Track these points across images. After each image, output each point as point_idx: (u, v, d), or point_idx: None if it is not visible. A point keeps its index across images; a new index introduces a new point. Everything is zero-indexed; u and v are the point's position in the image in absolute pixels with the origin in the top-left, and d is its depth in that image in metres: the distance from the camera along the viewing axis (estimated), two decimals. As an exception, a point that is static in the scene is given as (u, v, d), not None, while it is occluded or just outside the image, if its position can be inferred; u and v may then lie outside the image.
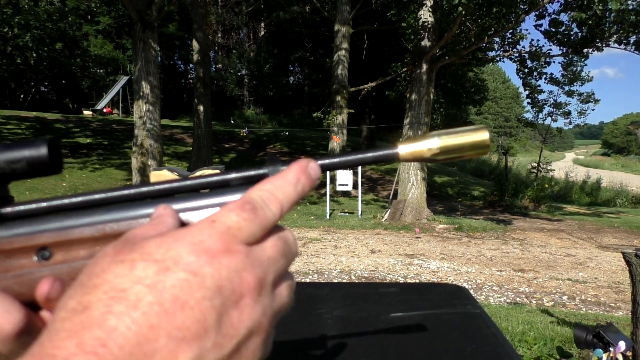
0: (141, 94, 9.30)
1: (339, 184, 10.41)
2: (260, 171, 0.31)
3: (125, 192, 0.31)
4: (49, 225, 0.30)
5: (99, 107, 23.88)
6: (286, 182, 0.29)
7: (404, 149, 0.33)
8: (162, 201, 0.31)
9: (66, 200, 0.31)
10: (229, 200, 0.30)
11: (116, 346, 0.21)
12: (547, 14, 11.88)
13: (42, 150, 0.31)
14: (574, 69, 13.83)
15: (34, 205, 0.31)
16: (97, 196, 0.31)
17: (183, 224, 0.29)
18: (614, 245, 7.92)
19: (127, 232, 0.27)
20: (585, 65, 13.74)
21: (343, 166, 0.33)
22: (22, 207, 0.31)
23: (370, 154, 0.33)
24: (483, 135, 0.33)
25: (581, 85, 14.70)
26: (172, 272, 0.23)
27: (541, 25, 12.20)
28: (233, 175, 0.32)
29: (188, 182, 0.32)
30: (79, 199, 0.31)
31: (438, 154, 0.32)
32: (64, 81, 25.77)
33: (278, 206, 0.28)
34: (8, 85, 24.24)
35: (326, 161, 0.32)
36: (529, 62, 12.66)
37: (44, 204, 0.31)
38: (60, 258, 0.29)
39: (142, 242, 0.24)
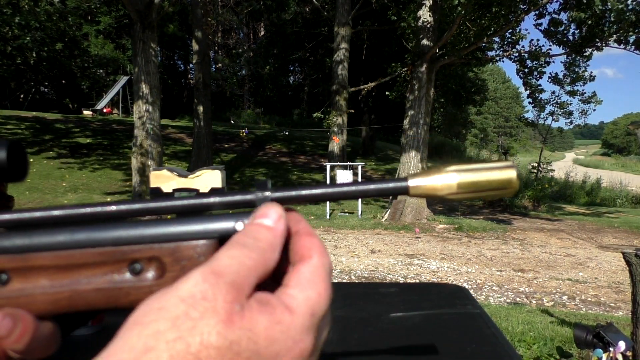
0: (141, 94, 9.29)
1: (339, 184, 10.40)
2: (247, 197, 0.28)
3: (96, 209, 0.28)
4: (7, 244, 0.27)
5: (99, 107, 23.89)
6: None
7: (415, 182, 0.29)
8: (142, 223, 0.28)
9: (32, 214, 0.28)
10: (207, 228, 0.27)
11: None
12: (547, 13, 11.88)
13: (1, 154, 0.28)
14: (576, 69, 13.80)
15: None
16: (65, 212, 0.28)
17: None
18: (614, 245, 7.92)
19: (235, 261, 0.24)
20: (588, 65, 13.74)
21: (341, 198, 0.30)
22: None
23: (373, 186, 0.29)
24: (509, 174, 0.28)
25: (583, 85, 14.69)
26: None
27: (541, 24, 12.21)
28: (216, 200, 0.28)
29: (166, 203, 0.28)
30: (43, 213, 0.28)
31: (455, 192, 0.29)
32: (64, 81, 25.77)
33: None
34: (8, 85, 24.24)
35: (323, 190, 0.29)
36: (528, 62, 12.66)
37: (5, 216, 0.27)
38: (19, 285, 0.27)
39: (251, 316, 0.23)
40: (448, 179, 0.29)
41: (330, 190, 0.29)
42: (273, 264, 0.26)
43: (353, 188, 0.29)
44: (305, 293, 0.25)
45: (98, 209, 0.28)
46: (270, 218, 0.27)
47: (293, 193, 0.29)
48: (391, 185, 0.29)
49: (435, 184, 0.29)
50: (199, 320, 0.21)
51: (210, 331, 0.21)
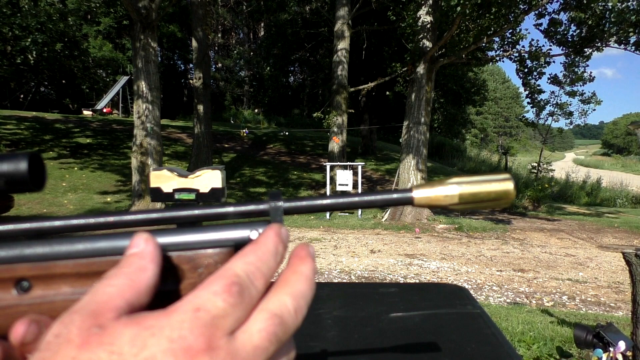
0: (141, 93, 9.30)
1: (339, 184, 10.42)
2: (261, 206, 0.29)
3: (114, 218, 0.29)
4: (29, 252, 0.28)
5: (98, 107, 23.90)
6: (268, 252, 0.26)
7: (419, 193, 0.30)
8: (161, 232, 0.28)
9: (52, 223, 0.28)
10: (224, 237, 0.28)
11: None
12: (546, 13, 11.88)
13: (22, 166, 0.29)
14: (576, 69, 13.81)
15: (12, 226, 0.28)
16: (84, 221, 0.29)
17: (167, 267, 0.27)
18: (614, 245, 7.92)
19: (96, 292, 0.24)
20: (587, 65, 13.73)
21: (349, 207, 0.31)
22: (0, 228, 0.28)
23: (379, 197, 0.31)
24: (507, 185, 0.30)
25: (583, 85, 14.69)
26: None
27: (541, 24, 12.21)
28: (231, 209, 0.29)
29: (182, 213, 0.29)
30: (63, 222, 0.29)
31: (457, 203, 0.30)
32: (64, 81, 25.78)
33: (263, 282, 0.26)
34: (8, 85, 24.24)
35: (335, 200, 0.30)
36: (528, 62, 12.66)
37: (26, 225, 0.28)
38: (40, 292, 0.27)
39: (114, 331, 0.22)
40: (450, 190, 0.30)
41: (339, 200, 0.31)
42: (146, 282, 0.25)
43: (360, 199, 0.31)
44: (194, 294, 0.24)
45: (117, 217, 0.29)
46: (136, 246, 0.27)
47: (304, 203, 0.30)
48: (396, 196, 0.31)
49: (438, 195, 0.30)
50: (54, 358, 0.21)
51: None
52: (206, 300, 0.23)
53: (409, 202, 0.30)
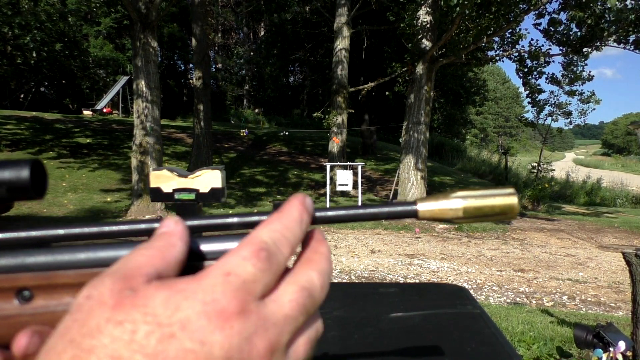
0: (140, 93, 9.29)
1: (339, 184, 10.41)
2: (264, 217, 0.29)
3: (117, 227, 0.29)
4: (30, 261, 0.27)
5: (98, 107, 23.89)
6: (294, 221, 0.27)
7: (423, 207, 0.31)
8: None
9: (55, 232, 0.28)
10: (229, 248, 0.28)
11: None
12: (546, 13, 11.89)
13: (24, 174, 0.28)
14: (575, 68, 13.82)
15: (14, 235, 0.28)
16: (86, 230, 0.29)
17: (192, 248, 0.28)
18: (614, 245, 7.92)
19: (127, 260, 0.24)
20: (586, 65, 13.73)
21: (353, 220, 0.31)
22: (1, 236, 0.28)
23: (384, 209, 0.31)
24: (511, 199, 0.31)
25: (582, 85, 14.69)
26: (178, 339, 0.20)
27: (540, 24, 12.22)
28: (235, 220, 0.30)
29: (186, 223, 0.29)
30: (65, 231, 0.28)
31: (461, 217, 0.31)
32: (64, 81, 25.77)
33: (289, 250, 0.26)
34: (8, 85, 24.24)
35: (338, 213, 0.30)
36: (528, 61, 12.66)
37: (31, 234, 0.28)
38: (42, 302, 0.27)
39: (146, 294, 0.22)
40: (454, 204, 0.31)
41: (342, 212, 0.31)
42: (175, 256, 0.26)
43: (364, 211, 0.31)
44: (224, 260, 0.24)
45: (119, 227, 0.29)
46: (165, 226, 0.28)
47: None
48: (401, 208, 0.31)
49: (443, 208, 0.31)
50: (87, 319, 0.21)
51: (98, 322, 0.21)
52: (236, 264, 0.24)
53: (414, 215, 0.31)
